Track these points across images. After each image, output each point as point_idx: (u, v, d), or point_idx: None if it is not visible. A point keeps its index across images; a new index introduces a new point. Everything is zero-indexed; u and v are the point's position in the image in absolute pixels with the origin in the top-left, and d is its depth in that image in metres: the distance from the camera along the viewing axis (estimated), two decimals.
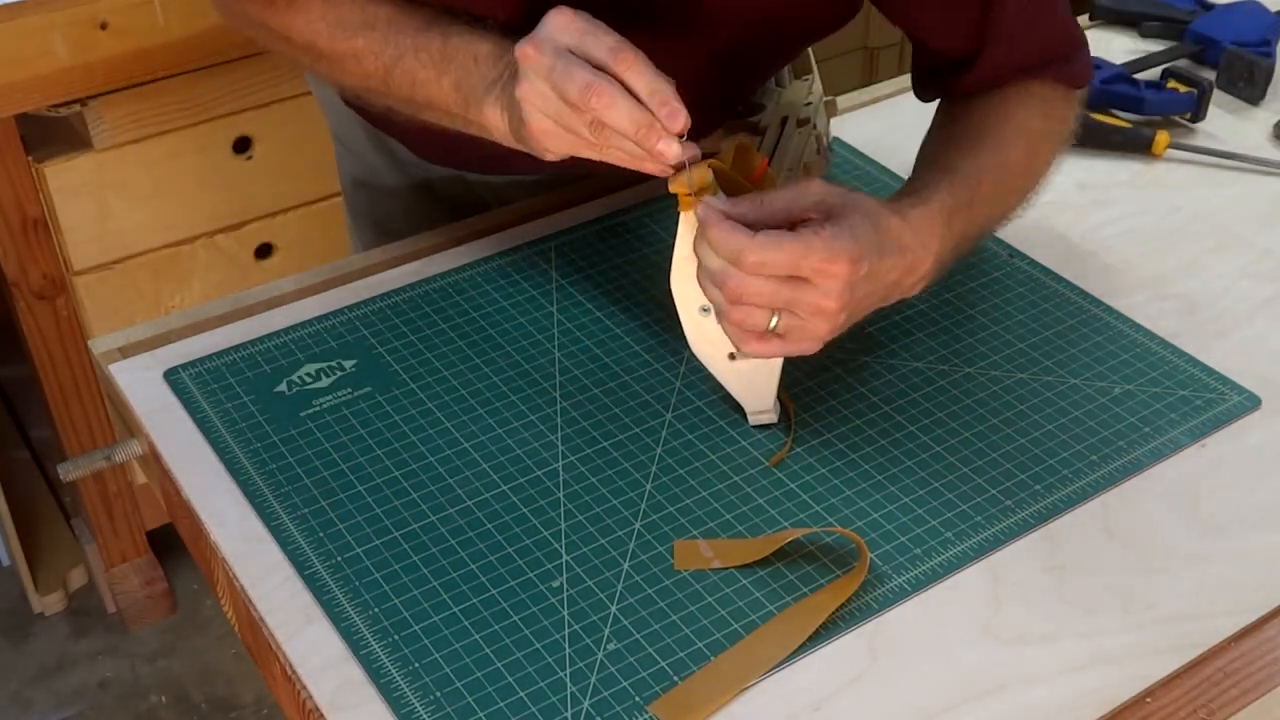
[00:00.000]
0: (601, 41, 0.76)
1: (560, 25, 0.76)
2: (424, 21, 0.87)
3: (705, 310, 0.84)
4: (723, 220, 0.78)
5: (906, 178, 1.14)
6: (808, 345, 0.82)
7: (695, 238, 0.80)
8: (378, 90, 0.91)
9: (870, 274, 0.79)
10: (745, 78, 1.05)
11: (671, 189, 0.80)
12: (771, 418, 0.89)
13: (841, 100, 1.26)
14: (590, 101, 0.75)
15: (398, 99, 0.90)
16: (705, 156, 0.80)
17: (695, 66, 0.87)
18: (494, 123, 0.84)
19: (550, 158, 0.81)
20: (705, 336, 0.86)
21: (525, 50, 0.77)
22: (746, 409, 0.89)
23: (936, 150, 0.94)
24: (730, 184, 0.84)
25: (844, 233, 0.78)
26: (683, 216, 0.81)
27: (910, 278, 0.83)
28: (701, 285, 0.81)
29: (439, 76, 0.86)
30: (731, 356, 0.86)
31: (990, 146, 0.92)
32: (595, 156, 0.80)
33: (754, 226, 0.78)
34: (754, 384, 0.88)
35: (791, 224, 0.80)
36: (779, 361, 0.87)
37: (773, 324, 0.79)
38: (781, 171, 0.99)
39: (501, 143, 0.85)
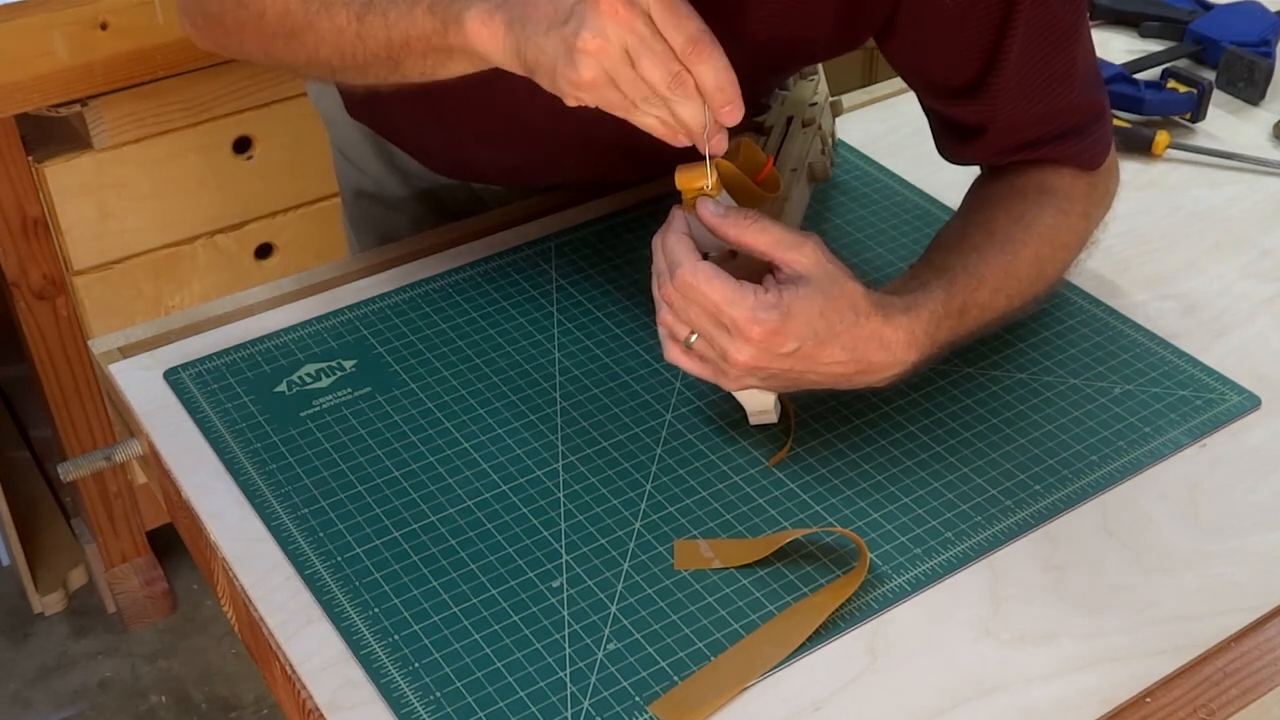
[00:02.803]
0: (684, 26, 0.74)
1: None
2: None
3: None
4: (682, 231, 0.80)
5: (906, 179, 1.15)
6: (724, 381, 0.82)
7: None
8: (352, 52, 0.86)
9: (802, 355, 0.79)
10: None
11: (679, 185, 0.80)
12: (772, 418, 0.89)
13: (842, 100, 1.25)
14: (673, 91, 0.74)
15: (374, 55, 0.85)
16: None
17: None
18: (482, 38, 0.77)
19: (572, 103, 0.78)
20: None
21: (615, 6, 0.72)
22: (747, 410, 0.90)
23: (948, 241, 0.93)
24: (735, 182, 0.84)
25: (782, 305, 0.78)
26: (678, 210, 0.82)
27: (872, 377, 0.83)
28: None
29: (411, 6, 0.81)
30: None
31: (998, 247, 0.90)
32: (627, 117, 0.78)
33: (731, 244, 0.80)
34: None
35: (768, 263, 0.80)
36: None
37: (689, 339, 0.80)
38: (786, 170, 0.99)
39: (482, 63, 0.80)
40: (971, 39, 0.90)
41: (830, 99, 1.11)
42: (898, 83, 1.31)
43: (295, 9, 0.87)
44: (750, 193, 0.86)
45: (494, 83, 0.83)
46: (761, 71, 0.99)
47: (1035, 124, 0.93)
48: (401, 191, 1.18)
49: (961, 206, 0.98)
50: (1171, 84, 1.23)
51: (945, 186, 1.13)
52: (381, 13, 0.83)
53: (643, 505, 0.86)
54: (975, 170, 1.00)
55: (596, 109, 0.77)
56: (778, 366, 0.80)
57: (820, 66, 1.12)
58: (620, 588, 0.80)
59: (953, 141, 0.99)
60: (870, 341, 0.80)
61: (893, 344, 0.81)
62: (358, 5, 0.84)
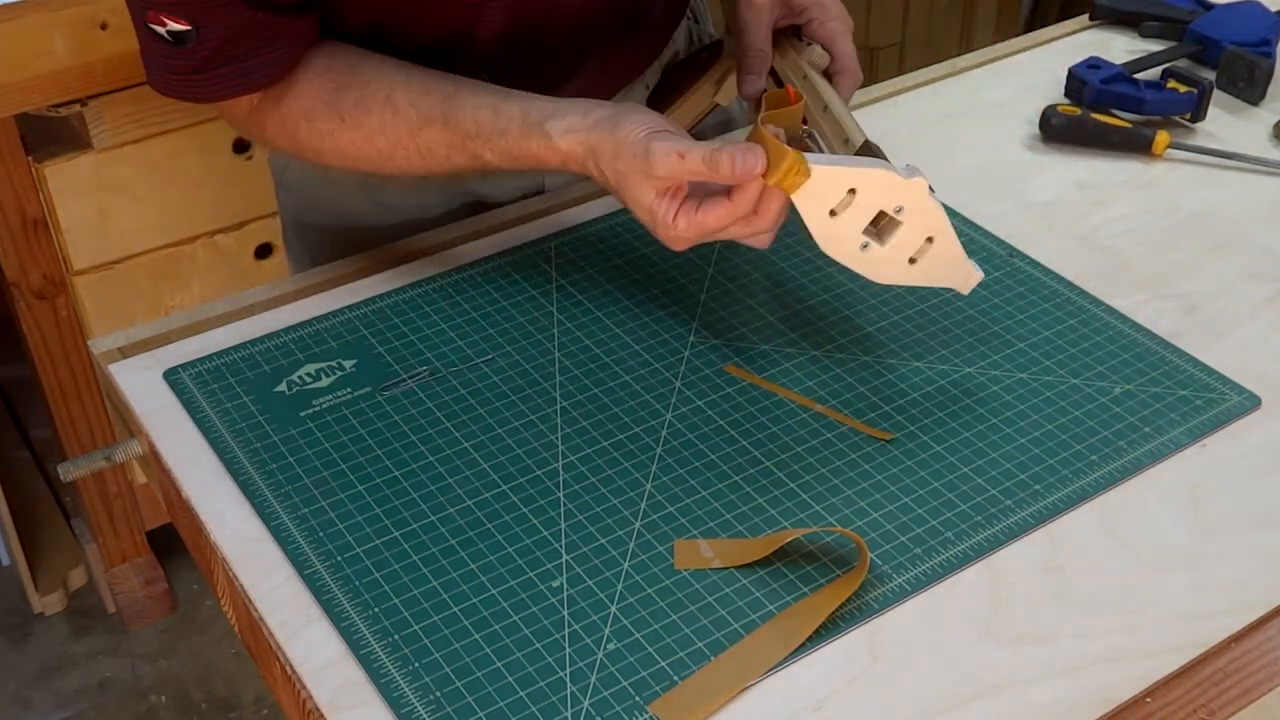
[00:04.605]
0: (726, 178, 0.84)
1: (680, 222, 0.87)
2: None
3: (865, 247, 0.87)
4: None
5: None
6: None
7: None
8: (427, 167, 0.97)
9: None
10: None
11: (771, 183, 0.84)
12: (979, 273, 0.91)
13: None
14: (726, 234, 0.88)
15: (435, 144, 0.94)
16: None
17: None
18: (564, 152, 0.89)
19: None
20: (878, 264, 0.89)
21: (674, 242, 0.88)
22: (958, 286, 0.91)
23: None
24: (782, 115, 0.89)
25: None
26: (793, 199, 0.85)
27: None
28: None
29: (500, 102, 0.92)
30: (912, 261, 0.89)
31: None
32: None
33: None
34: (944, 261, 0.89)
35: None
36: (948, 229, 0.88)
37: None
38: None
39: (558, 168, 0.91)
40: None
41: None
42: (898, 83, 1.31)
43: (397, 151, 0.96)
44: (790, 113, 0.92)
45: None
46: None
47: None
48: (378, 220, 1.17)
49: None
50: (1171, 84, 1.23)
51: (946, 186, 1.13)
52: (466, 107, 0.93)
53: (643, 505, 0.86)
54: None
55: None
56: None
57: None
58: (620, 588, 0.80)
59: None
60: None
61: None
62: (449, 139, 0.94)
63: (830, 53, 1.01)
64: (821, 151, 0.92)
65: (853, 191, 0.85)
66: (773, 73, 1.03)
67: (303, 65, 0.95)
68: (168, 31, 0.90)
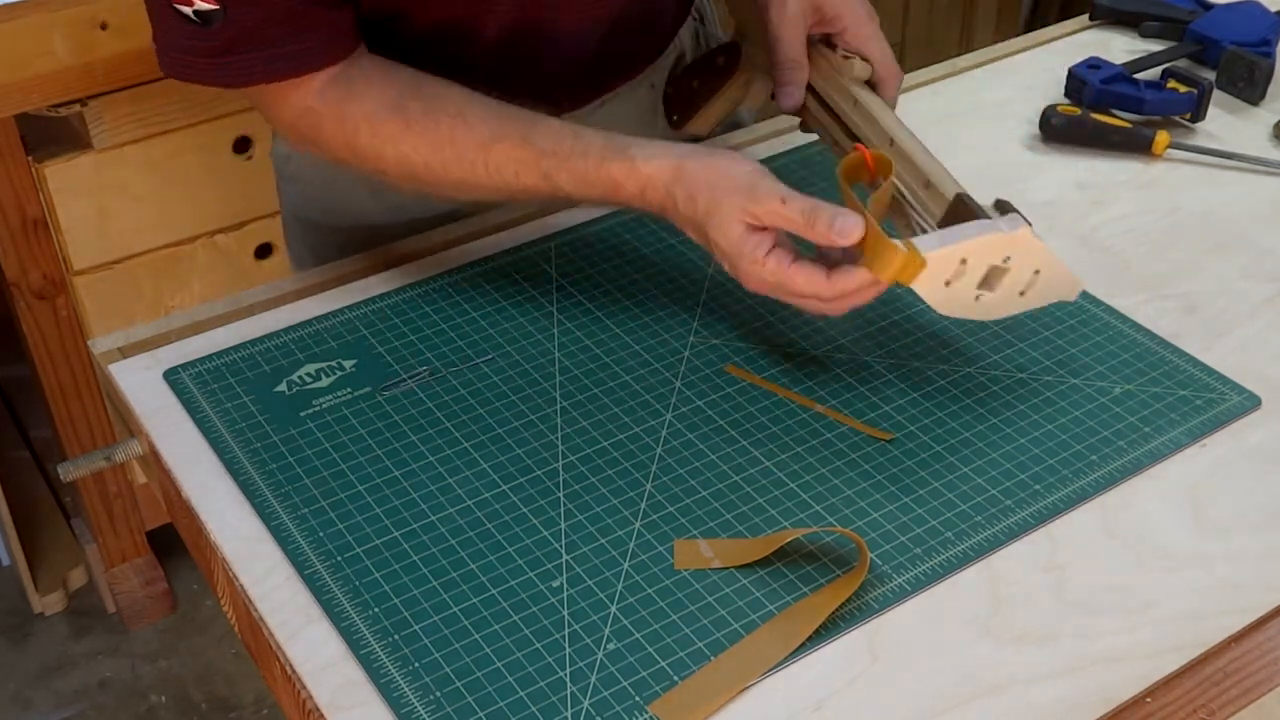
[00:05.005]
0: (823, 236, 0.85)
1: (774, 283, 0.87)
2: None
3: (978, 299, 0.88)
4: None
5: None
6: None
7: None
8: (500, 191, 0.96)
9: None
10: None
11: (885, 280, 0.85)
12: (1081, 284, 0.92)
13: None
14: (800, 302, 0.88)
15: (506, 158, 0.94)
16: None
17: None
18: (646, 176, 0.89)
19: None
20: (992, 308, 0.89)
21: (752, 279, 0.88)
22: (1065, 298, 0.92)
23: None
24: (875, 202, 0.88)
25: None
26: (913, 286, 0.85)
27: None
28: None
29: (581, 129, 0.92)
30: (1021, 293, 0.89)
31: None
32: None
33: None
34: (1051, 283, 0.90)
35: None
36: (1051, 257, 0.88)
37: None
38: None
39: (629, 198, 0.91)
40: None
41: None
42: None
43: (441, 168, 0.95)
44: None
45: None
46: None
47: None
48: (385, 219, 1.17)
49: None
50: (1171, 84, 1.23)
51: None
52: (542, 134, 0.93)
53: (643, 505, 0.86)
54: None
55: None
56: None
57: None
58: (620, 588, 0.80)
59: None
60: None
61: None
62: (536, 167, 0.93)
63: (869, 60, 1.00)
64: (906, 200, 0.92)
65: (964, 261, 0.85)
66: (810, 88, 1.03)
67: (363, 72, 0.95)
68: (194, 11, 0.89)
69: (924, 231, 0.89)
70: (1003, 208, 0.88)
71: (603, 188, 0.91)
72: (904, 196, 0.92)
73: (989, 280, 0.87)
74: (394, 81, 0.95)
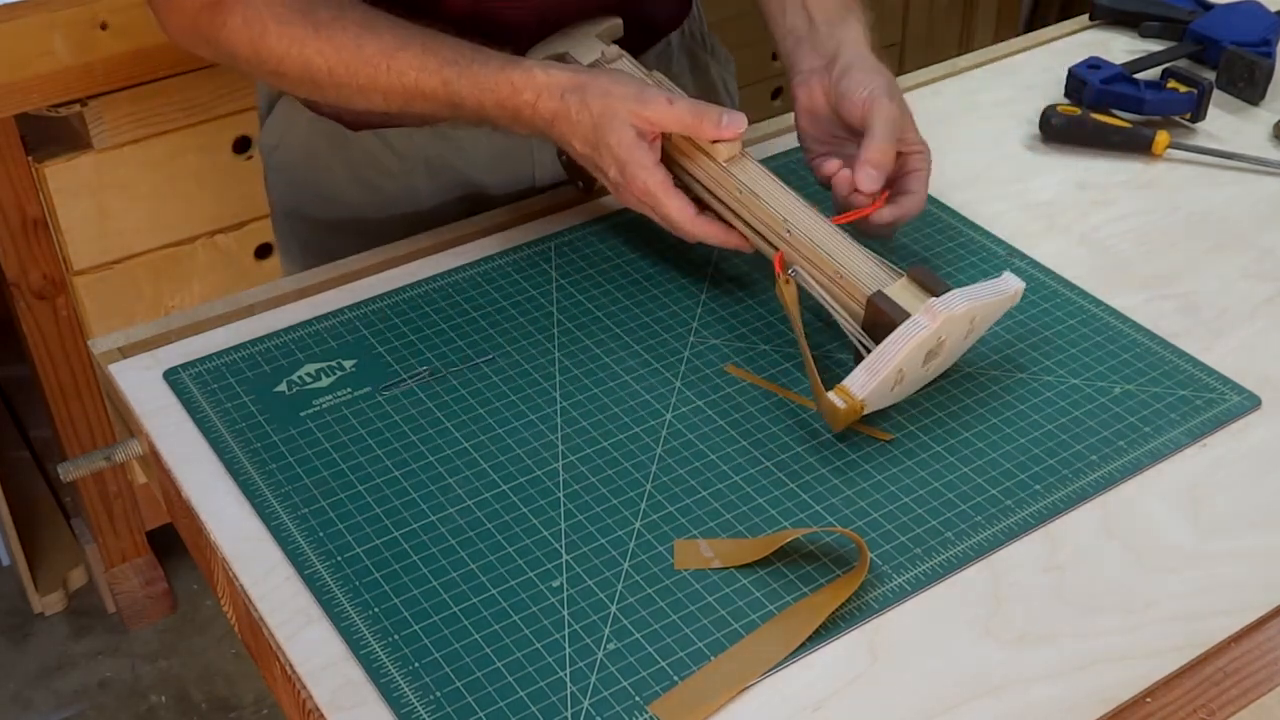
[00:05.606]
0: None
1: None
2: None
3: (926, 368, 0.90)
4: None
5: None
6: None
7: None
8: (393, 96, 0.97)
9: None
10: None
11: (836, 430, 0.89)
12: (1019, 283, 0.92)
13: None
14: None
15: (406, 67, 0.95)
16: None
17: None
18: (543, 84, 0.93)
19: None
20: (954, 358, 0.94)
21: (636, 182, 0.94)
22: (1008, 306, 0.94)
23: None
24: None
25: None
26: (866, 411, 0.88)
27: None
28: None
29: (483, 45, 0.96)
30: (967, 334, 0.92)
31: None
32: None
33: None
34: (990, 314, 0.92)
35: None
36: (982, 294, 0.89)
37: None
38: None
39: (521, 105, 0.94)
40: None
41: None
42: (898, 82, 1.31)
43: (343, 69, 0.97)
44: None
45: None
46: None
47: None
48: (377, 215, 1.17)
49: None
50: (1171, 84, 1.23)
51: (950, 186, 1.13)
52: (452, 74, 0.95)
53: (643, 505, 0.86)
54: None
55: None
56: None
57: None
58: (620, 588, 0.80)
59: None
60: None
61: None
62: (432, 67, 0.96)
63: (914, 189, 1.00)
64: (823, 299, 0.92)
65: (901, 370, 0.87)
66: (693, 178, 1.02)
67: None
68: None
69: (851, 333, 0.91)
70: (923, 281, 0.89)
71: (498, 95, 0.94)
72: (820, 296, 0.93)
73: (929, 357, 0.89)
74: None
